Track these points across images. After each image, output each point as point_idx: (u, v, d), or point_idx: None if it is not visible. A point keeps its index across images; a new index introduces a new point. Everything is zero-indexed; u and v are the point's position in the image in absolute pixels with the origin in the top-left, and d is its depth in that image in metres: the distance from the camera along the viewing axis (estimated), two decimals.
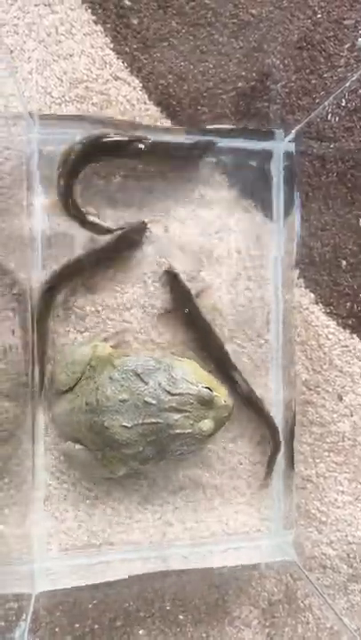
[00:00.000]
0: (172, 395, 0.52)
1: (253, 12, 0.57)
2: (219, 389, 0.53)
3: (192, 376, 0.53)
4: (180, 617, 0.54)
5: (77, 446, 0.55)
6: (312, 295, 0.60)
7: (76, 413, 0.54)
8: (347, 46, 0.58)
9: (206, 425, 0.52)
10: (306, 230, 0.60)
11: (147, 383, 0.52)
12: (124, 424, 0.52)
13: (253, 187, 0.60)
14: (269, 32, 0.57)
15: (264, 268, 0.61)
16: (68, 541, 0.58)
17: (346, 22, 0.58)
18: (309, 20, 0.58)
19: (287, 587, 0.58)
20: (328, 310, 0.60)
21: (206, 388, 0.52)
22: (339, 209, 0.59)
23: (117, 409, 0.52)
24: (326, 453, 0.59)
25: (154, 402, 0.51)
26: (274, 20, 0.57)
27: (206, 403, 0.52)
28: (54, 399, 0.56)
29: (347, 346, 0.60)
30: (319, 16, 0.58)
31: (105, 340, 0.57)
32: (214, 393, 0.52)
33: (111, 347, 0.57)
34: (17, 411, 0.55)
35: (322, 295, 0.60)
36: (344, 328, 0.60)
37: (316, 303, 0.60)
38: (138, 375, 0.52)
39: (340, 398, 0.59)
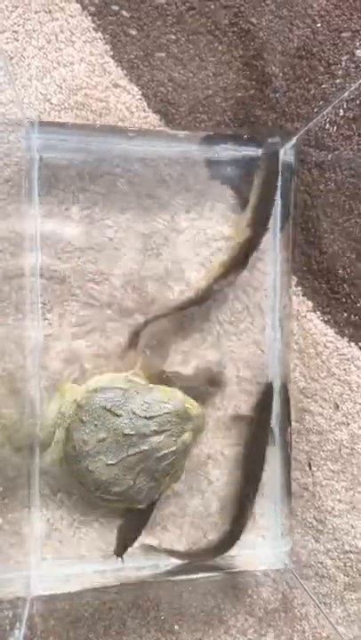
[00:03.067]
0: (149, 419, 0.51)
1: (253, 20, 0.57)
2: (189, 401, 0.53)
3: (161, 394, 0.52)
4: (176, 626, 0.54)
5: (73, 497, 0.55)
6: (310, 303, 0.60)
7: (58, 464, 0.53)
8: (346, 55, 0.58)
9: (187, 437, 0.52)
10: (304, 238, 0.60)
11: (119, 416, 0.51)
12: (109, 462, 0.51)
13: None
14: (269, 41, 0.57)
15: (261, 275, 0.61)
16: (62, 549, 0.57)
17: (345, 32, 0.58)
18: (309, 29, 0.58)
19: (283, 595, 0.58)
20: (326, 318, 0.60)
21: (179, 402, 0.52)
22: (337, 217, 0.59)
23: (98, 450, 0.51)
24: (323, 462, 0.59)
25: (133, 432, 0.51)
26: (273, 28, 0.57)
27: (182, 416, 0.52)
28: (41, 455, 0.55)
29: (344, 354, 0.59)
30: (319, 25, 0.58)
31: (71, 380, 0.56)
32: (186, 404, 0.52)
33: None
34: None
35: (320, 303, 0.60)
36: (342, 336, 0.60)
37: (314, 311, 0.60)
38: (108, 410, 0.51)
39: (338, 406, 0.59)
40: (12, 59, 0.54)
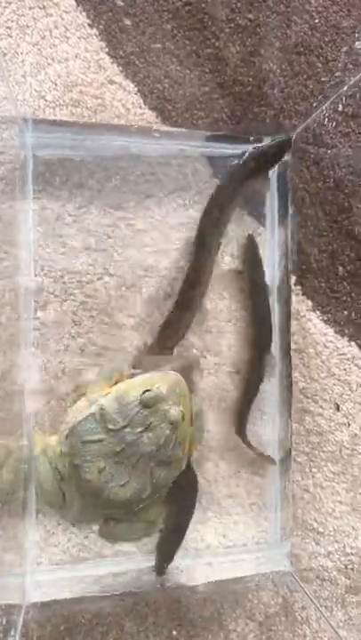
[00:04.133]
0: (127, 425, 0.50)
1: (250, 16, 0.56)
2: (154, 380, 0.51)
3: (127, 394, 0.51)
4: (175, 631, 0.53)
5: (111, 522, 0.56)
6: (309, 302, 0.60)
7: (83, 511, 0.54)
8: (344, 51, 0.57)
9: (173, 413, 0.50)
10: (302, 237, 0.60)
11: (102, 440, 0.50)
12: (121, 483, 0.51)
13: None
14: (266, 37, 0.57)
15: None
16: (58, 554, 0.57)
17: (343, 28, 0.58)
18: (307, 25, 0.57)
19: (284, 599, 0.57)
20: (326, 318, 0.59)
21: (145, 391, 0.50)
22: (336, 215, 0.58)
23: (105, 479, 0.51)
24: (324, 463, 0.59)
25: (123, 445, 0.50)
26: (271, 24, 0.57)
27: (157, 401, 0.50)
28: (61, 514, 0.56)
29: (345, 354, 0.59)
30: (317, 21, 0.57)
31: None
32: (155, 387, 0.50)
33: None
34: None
35: (319, 302, 0.60)
36: (342, 336, 0.59)
37: (314, 310, 0.60)
38: (90, 442, 0.50)
39: (338, 407, 0.59)
40: (5, 55, 0.53)
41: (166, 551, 0.57)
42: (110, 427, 0.50)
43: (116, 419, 0.50)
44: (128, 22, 0.55)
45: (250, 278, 0.59)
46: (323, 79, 0.58)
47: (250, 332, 0.60)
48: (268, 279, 0.60)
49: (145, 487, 0.52)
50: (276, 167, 0.60)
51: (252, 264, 0.59)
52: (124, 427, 0.50)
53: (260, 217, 0.61)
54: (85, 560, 0.57)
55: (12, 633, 0.47)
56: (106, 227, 0.57)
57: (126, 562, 0.58)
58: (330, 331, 0.59)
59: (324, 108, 0.56)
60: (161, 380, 0.51)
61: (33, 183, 0.55)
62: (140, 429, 0.50)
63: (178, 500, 0.57)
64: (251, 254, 0.59)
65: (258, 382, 0.59)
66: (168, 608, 0.55)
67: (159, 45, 0.56)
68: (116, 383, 0.53)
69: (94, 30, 0.55)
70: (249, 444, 0.59)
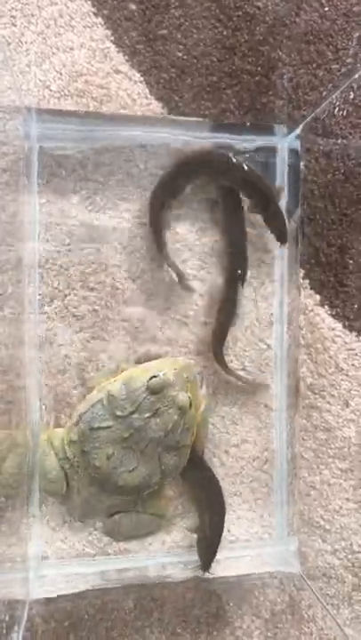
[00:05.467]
0: (135, 411, 0.50)
1: (259, 4, 0.56)
2: (162, 365, 0.51)
3: (134, 381, 0.50)
4: (179, 628, 0.53)
5: (114, 518, 0.55)
6: (318, 297, 0.59)
7: (90, 499, 0.54)
8: (356, 36, 0.56)
9: (180, 398, 0.49)
10: (311, 230, 0.59)
11: (110, 427, 0.50)
12: (130, 469, 0.51)
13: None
14: (275, 25, 0.56)
15: (267, 268, 0.59)
16: (64, 549, 0.56)
17: (354, 16, 0.57)
18: (316, 14, 0.56)
19: (290, 597, 0.57)
20: (334, 312, 0.59)
21: (152, 377, 0.50)
22: (345, 208, 0.58)
23: (114, 465, 0.51)
24: (331, 459, 0.58)
25: (131, 431, 0.50)
26: (280, 12, 0.56)
27: (164, 387, 0.50)
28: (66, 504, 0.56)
29: (353, 349, 0.58)
30: (327, 9, 0.57)
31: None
32: (161, 374, 0.50)
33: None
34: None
35: (328, 297, 0.59)
36: (350, 330, 0.58)
37: (322, 305, 0.59)
38: (98, 429, 0.51)
39: (348, 404, 0.58)
40: (9, 44, 0.53)
41: (209, 551, 0.57)
42: (118, 413, 0.50)
43: (124, 405, 0.50)
44: (134, 7, 0.54)
45: (224, 206, 0.57)
46: (333, 68, 0.57)
47: (224, 259, 0.58)
48: (275, 273, 0.60)
49: (154, 472, 0.52)
50: (286, 160, 0.59)
51: (226, 191, 0.57)
52: (132, 412, 0.50)
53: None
54: (90, 555, 0.57)
55: (16, 629, 0.47)
56: (111, 219, 0.56)
57: (131, 557, 0.57)
58: (338, 325, 0.59)
59: (333, 97, 0.55)
60: (168, 366, 0.51)
61: (37, 175, 0.55)
62: (147, 415, 0.50)
63: (209, 506, 0.57)
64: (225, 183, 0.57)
65: (232, 308, 0.58)
66: (173, 604, 0.55)
67: (166, 34, 0.55)
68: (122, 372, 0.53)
69: (100, 19, 0.54)
70: (231, 372, 0.58)
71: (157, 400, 0.49)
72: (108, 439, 0.50)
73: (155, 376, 0.50)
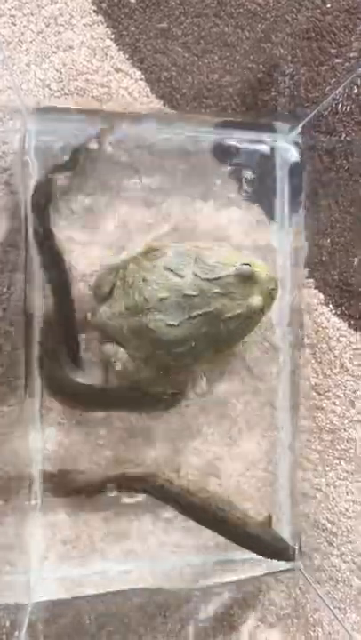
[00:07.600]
0: (211, 281, 0.50)
1: (260, 1, 0.55)
2: (257, 264, 0.51)
3: (226, 258, 0.51)
4: (183, 632, 0.52)
5: (121, 350, 0.54)
6: (322, 296, 0.59)
7: (117, 318, 0.53)
8: (357, 36, 0.56)
9: (255, 300, 0.50)
10: (315, 228, 0.59)
11: (183, 277, 0.50)
12: (171, 322, 0.50)
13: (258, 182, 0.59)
14: (277, 22, 0.55)
15: (271, 267, 0.59)
16: (65, 551, 0.56)
17: (356, 12, 0.56)
18: (318, 10, 0.56)
19: (296, 600, 0.56)
20: (339, 311, 0.58)
21: (244, 264, 0.50)
22: (349, 206, 0.57)
23: (159, 308, 0.50)
24: (337, 461, 0.58)
25: (195, 293, 0.50)
26: (281, 9, 0.55)
27: (248, 279, 0.50)
28: (97, 305, 0.55)
29: (358, 348, 0.58)
30: (329, 5, 0.56)
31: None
32: (254, 268, 0.50)
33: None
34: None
35: (332, 295, 0.58)
36: (355, 329, 0.58)
37: (326, 304, 0.59)
38: (171, 271, 0.50)
39: (352, 403, 0.57)
40: (9, 43, 0.52)
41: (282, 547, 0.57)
42: (197, 272, 0.50)
43: (207, 269, 0.50)
44: (135, 8, 0.54)
45: (35, 226, 0.55)
46: (335, 64, 0.56)
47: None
48: (279, 273, 0.59)
49: (188, 340, 0.51)
50: (289, 158, 0.59)
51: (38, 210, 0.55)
52: (210, 280, 0.50)
53: (270, 209, 0.60)
54: (91, 557, 0.57)
55: (17, 634, 0.47)
56: (112, 219, 0.56)
57: (133, 559, 0.57)
58: (343, 324, 0.58)
59: (336, 93, 0.55)
60: (264, 268, 0.51)
61: (37, 175, 0.54)
62: (219, 290, 0.50)
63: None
64: (37, 200, 0.54)
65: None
66: (177, 607, 0.54)
67: (166, 32, 0.55)
68: None
69: (100, 17, 0.54)
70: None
71: (236, 285, 0.50)
72: (172, 285, 0.50)
73: (247, 264, 0.50)
